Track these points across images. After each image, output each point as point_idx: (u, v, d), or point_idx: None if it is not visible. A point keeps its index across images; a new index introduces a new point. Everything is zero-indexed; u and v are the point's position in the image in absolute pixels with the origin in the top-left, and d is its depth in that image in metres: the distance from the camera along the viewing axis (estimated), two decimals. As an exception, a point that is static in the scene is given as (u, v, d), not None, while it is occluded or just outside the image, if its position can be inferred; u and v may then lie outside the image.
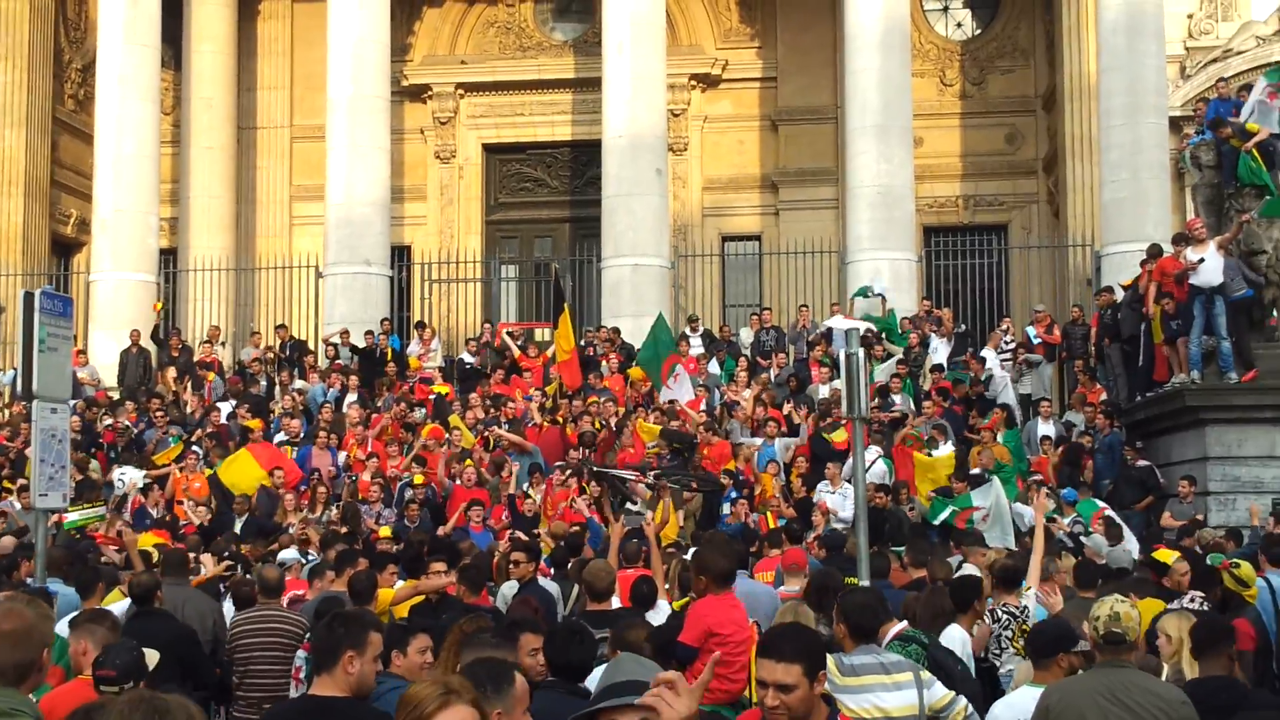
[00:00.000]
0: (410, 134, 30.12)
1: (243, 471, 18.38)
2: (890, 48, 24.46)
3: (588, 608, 9.35)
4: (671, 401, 20.05)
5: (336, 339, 23.74)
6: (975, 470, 17.82)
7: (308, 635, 8.73)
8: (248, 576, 11.64)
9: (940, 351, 22.15)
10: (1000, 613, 9.16)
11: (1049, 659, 6.79)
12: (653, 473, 17.24)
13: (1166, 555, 11.14)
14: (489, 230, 30.64)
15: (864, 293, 22.80)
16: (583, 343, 23.04)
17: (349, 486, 18.05)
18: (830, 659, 6.41)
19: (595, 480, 17.58)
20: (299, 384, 22.33)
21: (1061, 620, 7.63)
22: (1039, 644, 7.01)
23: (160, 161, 26.83)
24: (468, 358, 23.59)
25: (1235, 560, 10.51)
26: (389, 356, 22.78)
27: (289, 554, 13.31)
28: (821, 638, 4.67)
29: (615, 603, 9.58)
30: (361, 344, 23.28)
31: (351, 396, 21.54)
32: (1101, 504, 16.89)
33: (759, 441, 19.28)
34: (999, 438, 18.77)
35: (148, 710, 3.37)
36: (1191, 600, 9.53)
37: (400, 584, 10.32)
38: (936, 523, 16.13)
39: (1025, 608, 9.27)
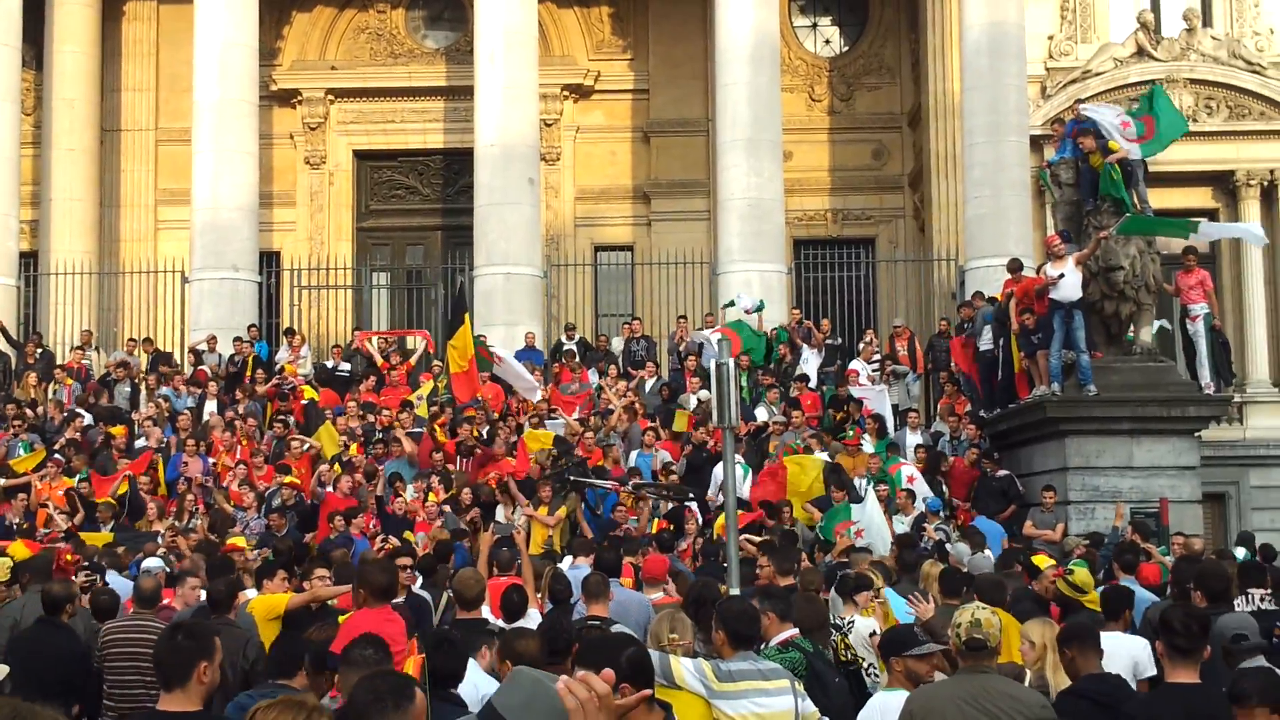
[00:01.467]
0: (279, 139, 29.75)
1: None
2: (760, 62, 24.77)
3: (458, 616, 9.37)
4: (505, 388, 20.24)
5: (204, 345, 23.38)
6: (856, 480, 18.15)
7: None
8: (106, 585, 11.44)
9: (811, 362, 22.46)
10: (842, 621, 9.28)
11: (889, 663, 6.96)
12: (631, 483, 17.18)
13: (1041, 561, 11.47)
14: (360, 237, 30.36)
15: (735, 302, 22.97)
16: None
17: (219, 494, 17.82)
18: (707, 665, 6.52)
19: (574, 490, 17.56)
20: (163, 390, 21.95)
21: (902, 627, 7.77)
22: (882, 649, 7.19)
23: (20, 163, 26.20)
24: (342, 365, 23.31)
25: (1070, 567, 10.83)
26: (249, 364, 22.52)
27: (154, 562, 13.07)
28: (629, 652, 4.70)
29: (485, 611, 9.61)
30: (229, 351, 22.96)
31: (212, 404, 21.24)
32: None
33: (634, 454, 19.45)
34: (870, 447, 19.13)
35: (10, 718, 3.32)
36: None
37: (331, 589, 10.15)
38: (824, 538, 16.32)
39: (851, 621, 9.41)
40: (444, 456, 18.85)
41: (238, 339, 23.03)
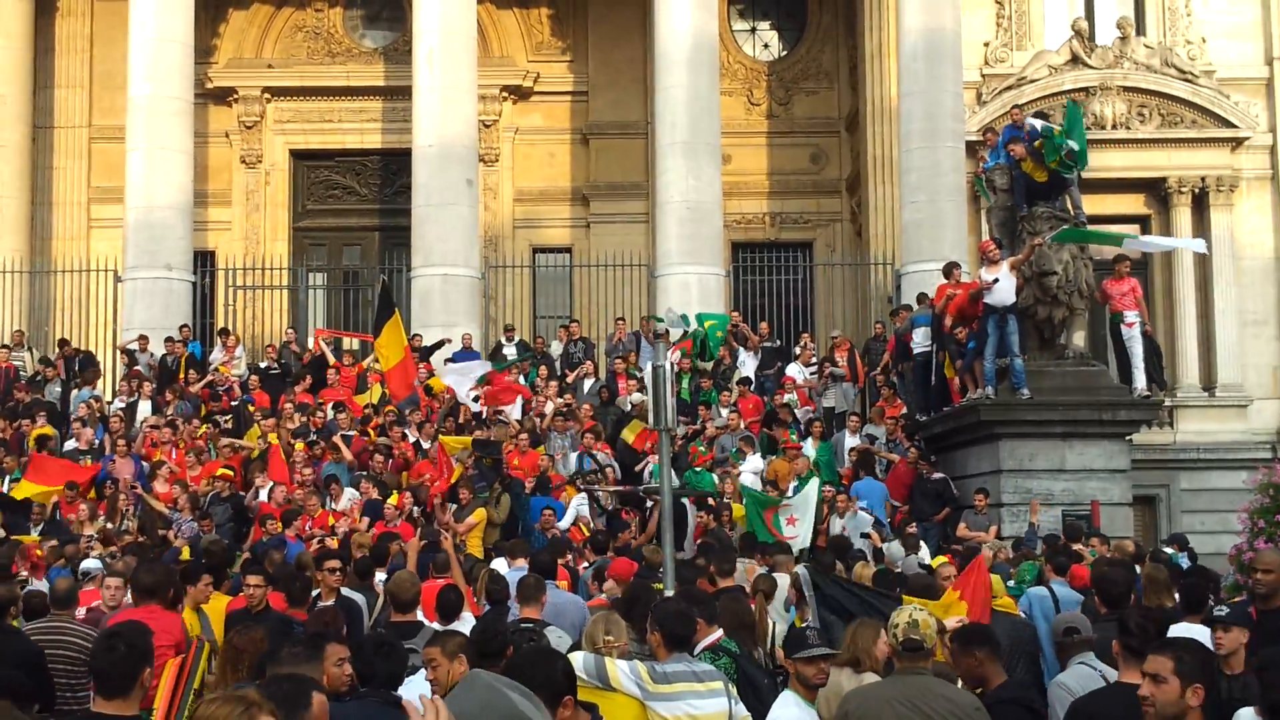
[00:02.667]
0: (215, 137, 29.48)
1: (33, 489, 17.84)
2: (699, 66, 24.82)
3: (392, 618, 9.33)
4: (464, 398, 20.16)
5: (134, 345, 23.13)
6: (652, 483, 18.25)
7: None
8: (32, 586, 11.30)
9: (748, 365, 22.54)
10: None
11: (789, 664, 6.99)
12: (641, 488, 17.10)
13: (936, 561, 11.63)
14: (296, 237, 30.14)
15: (662, 319, 22.99)
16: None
17: (150, 495, 17.66)
18: (642, 667, 6.53)
19: (587, 495, 17.50)
20: (92, 393, 21.70)
21: (797, 629, 7.80)
22: (783, 649, 7.22)
23: (-51, 159, 25.87)
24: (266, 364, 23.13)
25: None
26: (183, 364, 22.32)
27: (92, 563, 12.90)
28: (562, 665, 4.76)
29: (420, 614, 9.57)
30: (160, 351, 22.73)
31: (145, 404, 21.02)
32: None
33: (575, 455, 19.46)
34: (812, 451, 19.26)
35: None
36: None
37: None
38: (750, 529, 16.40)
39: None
40: (381, 459, 18.83)
41: (169, 339, 22.81)
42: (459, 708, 3.87)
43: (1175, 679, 5.39)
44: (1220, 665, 7.22)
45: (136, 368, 22.46)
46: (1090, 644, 7.88)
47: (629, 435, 19.95)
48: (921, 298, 21.82)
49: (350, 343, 24.88)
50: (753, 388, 21.67)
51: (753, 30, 30.84)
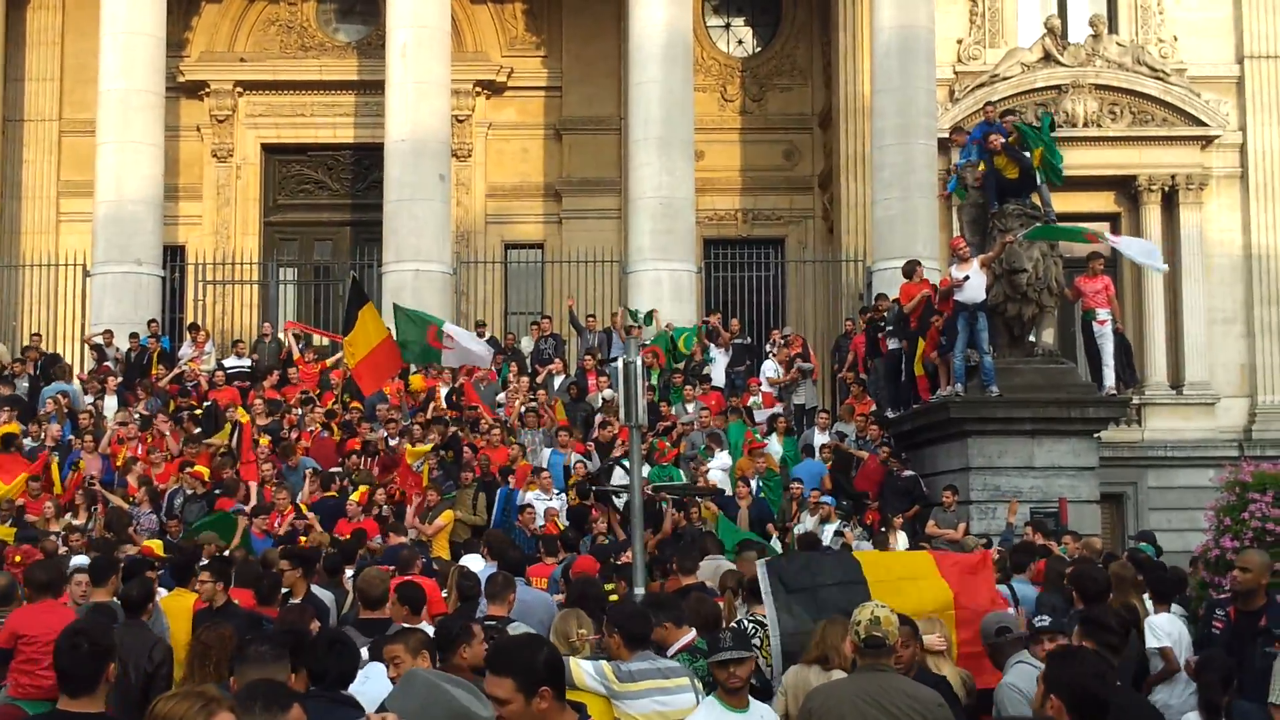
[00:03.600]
0: (186, 131, 29.35)
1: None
2: (673, 61, 24.82)
3: (361, 615, 9.32)
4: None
5: (100, 340, 23.01)
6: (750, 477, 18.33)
7: None
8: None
9: (719, 362, 22.57)
10: (747, 622, 9.19)
11: None
12: (652, 486, 16.95)
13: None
14: (267, 232, 30.03)
15: (634, 315, 23.02)
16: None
17: (117, 492, 17.59)
18: (607, 666, 6.55)
19: (598, 499, 17.46)
20: (60, 387, 21.57)
21: (716, 634, 7.78)
22: None
23: (-83, 152, 25.72)
24: (242, 361, 23.00)
25: None
26: (154, 358, 22.21)
27: (81, 559, 12.79)
28: (544, 655, 4.64)
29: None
30: (126, 345, 22.62)
31: (111, 400, 20.91)
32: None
33: (547, 451, 19.45)
34: (779, 447, 19.30)
35: None
36: None
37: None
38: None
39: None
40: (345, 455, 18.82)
41: (134, 335, 22.68)
42: (399, 707, 3.88)
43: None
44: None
45: (105, 364, 22.33)
46: (1022, 642, 7.91)
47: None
48: (881, 299, 21.92)
49: (320, 340, 24.74)
50: (724, 384, 21.70)
51: (727, 26, 30.85)
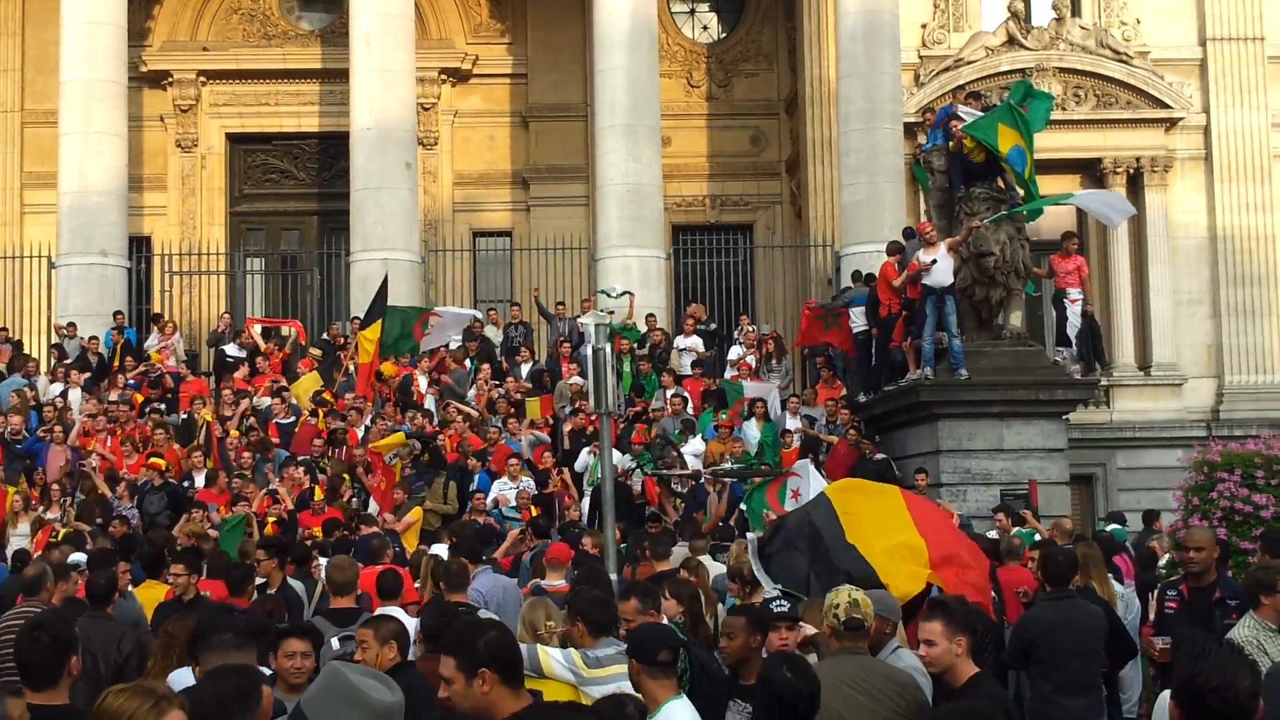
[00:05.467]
0: (150, 121, 29.15)
1: None
2: (638, 48, 24.79)
3: (331, 604, 9.30)
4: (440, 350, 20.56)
5: (62, 335, 22.83)
6: (725, 465, 18.25)
7: None
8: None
9: (685, 346, 22.56)
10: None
11: None
12: (710, 469, 17.13)
13: None
14: (233, 222, 29.86)
15: (608, 292, 22.96)
16: (326, 337, 22.94)
17: (84, 484, 17.48)
18: (576, 653, 6.56)
19: (658, 482, 17.47)
20: (27, 380, 21.40)
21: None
22: None
23: (-123, 144, 25.46)
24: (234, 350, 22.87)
25: None
26: (118, 351, 22.08)
27: (80, 556, 12.70)
28: (487, 637, 4.57)
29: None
30: (90, 336, 22.46)
31: (75, 392, 20.77)
32: None
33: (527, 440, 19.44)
34: (756, 433, 19.29)
35: None
36: None
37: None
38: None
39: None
40: (321, 445, 18.75)
41: (93, 338, 22.45)
42: (307, 698, 4.02)
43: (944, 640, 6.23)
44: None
45: (67, 360, 22.14)
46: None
47: (532, 411, 20.13)
48: (856, 276, 21.92)
49: (286, 330, 24.60)
50: (688, 371, 21.72)
51: (692, 12, 30.82)
